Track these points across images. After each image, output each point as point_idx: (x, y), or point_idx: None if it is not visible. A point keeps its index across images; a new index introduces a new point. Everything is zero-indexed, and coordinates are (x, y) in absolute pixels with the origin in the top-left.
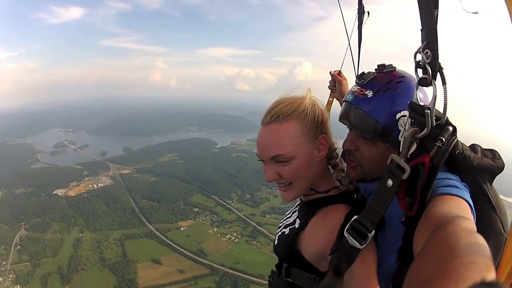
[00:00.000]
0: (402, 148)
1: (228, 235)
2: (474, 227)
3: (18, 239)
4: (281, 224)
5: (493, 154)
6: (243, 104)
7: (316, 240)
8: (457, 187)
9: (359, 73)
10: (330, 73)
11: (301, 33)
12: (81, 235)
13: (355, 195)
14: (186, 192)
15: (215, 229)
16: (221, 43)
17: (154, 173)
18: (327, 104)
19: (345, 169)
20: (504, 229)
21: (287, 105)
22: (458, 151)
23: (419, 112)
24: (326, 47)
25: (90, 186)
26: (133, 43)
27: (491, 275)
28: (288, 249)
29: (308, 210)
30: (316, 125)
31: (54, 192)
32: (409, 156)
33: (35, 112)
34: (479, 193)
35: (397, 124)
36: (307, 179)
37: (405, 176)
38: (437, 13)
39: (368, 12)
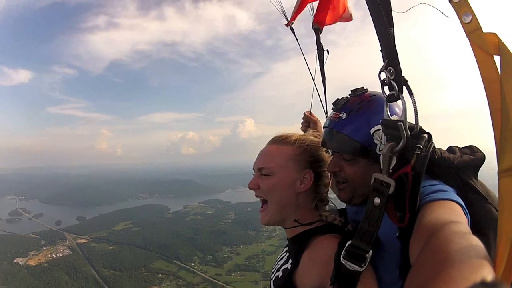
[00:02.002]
0: (383, 164)
1: None
2: (467, 229)
3: None
4: (273, 269)
5: (471, 149)
6: (190, 167)
7: (312, 275)
8: (443, 190)
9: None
10: (304, 114)
11: (240, 91)
12: None
13: (345, 228)
14: (146, 258)
15: None
16: (163, 108)
17: (111, 241)
18: None
19: (336, 194)
20: None
21: (293, 135)
22: (437, 156)
23: (392, 127)
24: (267, 102)
25: (49, 255)
26: (78, 110)
27: (485, 274)
28: None
29: (297, 246)
30: (308, 160)
31: (15, 261)
32: (391, 171)
33: None
34: (467, 189)
35: (373, 139)
36: (279, 201)
37: (391, 191)
38: (393, 30)
39: (328, 51)
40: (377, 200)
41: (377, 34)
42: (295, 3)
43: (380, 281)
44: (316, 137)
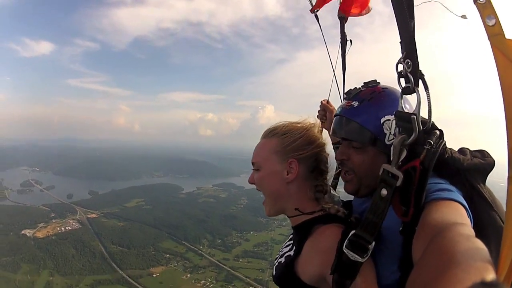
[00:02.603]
0: (393, 156)
1: (203, 281)
2: (472, 232)
3: None
4: (277, 256)
5: (482, 153)
6: (207, 149)
7: (313, 263)
8: (449, 190)
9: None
10: (321, 102)
11: (263, 76)
12: (51, 278)
13: (348, 219)
14: (156, 237)
15: (189, 275)
16: (184, 88)
17: (121, 218)
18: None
19: (344, 185)
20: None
21: (279, 126)
22: (447, 155)
23: (405, 119)
24: (287, 90)
25: (58, 228)
26: (98, 84)
27: (490, 276)
28: (287, 277)
29: (299, 234)
30: (290, 150)
31: (22, 232)
32: (400, 163)
33: (2, 147)
34: (473, 193)
35: (383, 128)
36: (270, 194)
37: (398, 183)
38: (413, 24)
39: (351, 41)
40: (384, 192)
41: (398, 26)
42: None
43: (378, 275)
44: (307, 126)
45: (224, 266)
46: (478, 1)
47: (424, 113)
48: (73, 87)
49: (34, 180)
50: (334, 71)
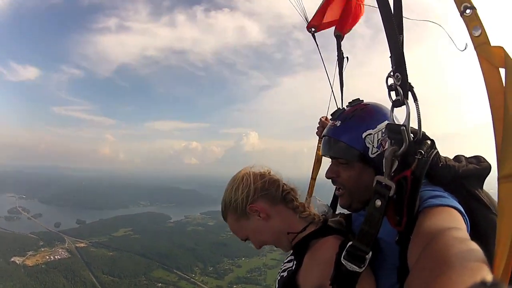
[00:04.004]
0: (385, 167)
1: None
2: (466, 235)
3: None
4: (280, 270)
5: (477, 159)
6: (192, 177)
7: (313, 275)
8: (442, 196)
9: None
10: (320, 119)
11: (247, 103)
12: None
13: (343, 230)
14: (146, 267)
15: None
16: (168, 116)
17: (110, 247)
18: (317, 149)
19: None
20: None
21: (225, 199)
22: (441, 163)
23: (395, 131)
24: (271, 117)
25: (47, 257)
26: (83, 112)
27: (484, 276)
28: None
29: (299, 249)
30: (241, 205)
31: (12, 259)
32: (392, 174)
33: None
34: (470, 199)
35: (365, 143)
36: (268, 239)
37: (391, 193)
38: (402, 38)
39: (347, 58)
40: (378, 203)
41: (388, 40)
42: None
43: (378, 285)
44: (238, 176)
45: None
46: (464, 14)
47: (414, 125)
48: (58, 115)
49: (21, 207)
50: (332, 88)
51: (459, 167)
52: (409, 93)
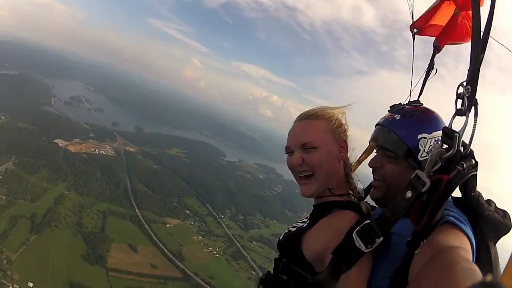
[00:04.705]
0: (427, 165)
1: (211, 248)
2: (471, 258)
3: (3, 170)
4: (291, 226)
5: (504, 213)
6: (261, 128)
7: (320, 240)
8: (465, 224)
9: None
10: None
11: (339, 80)
12: (66, 192)
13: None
14: (183, 191)
15: (200, 237)
16: (260, 63)
17: (158, 161)
18: (364, 152)
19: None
20: None
21: (319, 109)
22: (474, 193)
23: (449, 135)
24: (356, 100)
25: (92, 149)
26: (178, 32)
27: (489, 277)
28: (291, 244)
29: (318, 212)
30: (340, 130)
31: (55, 141)
32: (432, 173)
33: (64, 58)
34: (481, 246)
35: (418, 145)
36: (328, 172)
37: (424, 189)
38: (483, 57)
39: (437, 69)
40: (408, 194)
41: (470, 54)
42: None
43: (371, 278)
44: (342, 112)
45: (237, 243)
46: None
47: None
48: (153, 28)
49: (85, 98)
50: (410, 92)
51: (486, 208)
52: (473, 108)
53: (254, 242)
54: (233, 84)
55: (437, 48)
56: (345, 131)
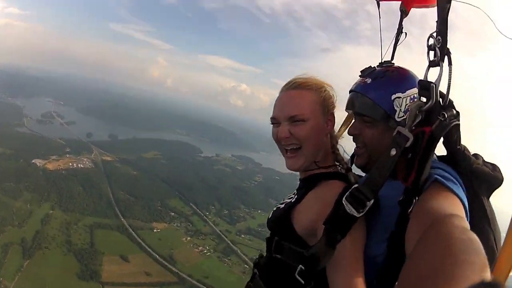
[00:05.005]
0: (408, 119)
1: (201, 247)
2: (467, 225)
3: None
4: (279, 203)
5: (494, 167)
6: (234, 119)
7: (310, 212)
8: (455, 183)
9: None
10: None
11: (304, 60)
12: (51, 212)
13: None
14: (165, 193)
15: (189, 238)
16: (224, 54)
17: (136, 167)
18: (342, 124)
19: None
20: (496, 246)
21: (308, 79)
22: (459, 147)
23: (425, 87)
24: (326, 80)
25: (70, 164)
26: (140, 33)
27: (486, 274)
28: (281, 221)
29: (306, 185)
30: (329, 102)
31: (33, 161)
32: (413, 127)
33: (30, 75)
34: (474, 201)
35: (393, 105)
36: (315, 145)
37: (408, 144)
38: (449, 6)
39: (406, 33)
40: (393, 152)
41: (437, 6)
42: None
43: (366, 248)
44: (329, 84)
45: (225, 238)
46: None
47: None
48: (114, 32)
49: (56, 113)
50: (382, 59)
51: (474, 161)
52: (445, 57)
53: (242, 236)
54: (200, 78)
55: (404, 12)
56: (332, 103)
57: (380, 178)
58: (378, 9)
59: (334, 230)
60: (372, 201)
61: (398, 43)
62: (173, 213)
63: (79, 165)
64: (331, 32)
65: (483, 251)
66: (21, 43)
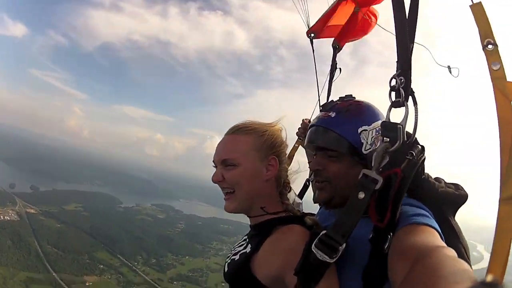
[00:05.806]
0: (374, 161)
1: None
2: (455, 254)
3: None
4: (230, 254)
5: (456, 186)
6: (150, 168)
7: (273, 263)
8: (427, 216)
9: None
10: (303, 120)
11: (217, 107)
12: None
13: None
14: (91, 246)
15: None
16: (139, 103)
17: (59, 219)
18: (291, 149)
19: (315, 194)
20: (468, 258)
21: (251, 124)
22: (423, 176)
23: (390, 129)
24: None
25: None
26: (58, 81)
27: (490, 276)
28: (241, 274)
29: (259, 232)
30: (270, 147)
31: None
32: (380, 169)
33: None
34: (442, 222)
35: (360, 138)
36: (249, 191)
37: (378, 187)
38: (412, 46)
39: (340, 69)
40: (361, 195)
41: (397, 45)
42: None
43: (340, 285)
44: (271, 125)
45: (158, 287)
46: (486, 48)
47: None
48: (34, 78)
49: None
50: (319, 95)
51: (438, 187)
52: (410, 97)
53: (175, 282)
54: (116, 128)
55: (337, 48)
56: (275, 147)
57: (350, 223)
58: (312, 46)
59: (307, 278)
60: (344, 245)
61: (334, 79)
62: (101, 266)
63: (5, 217)
64: (244, 78)
65: (474, 277)
66: None
